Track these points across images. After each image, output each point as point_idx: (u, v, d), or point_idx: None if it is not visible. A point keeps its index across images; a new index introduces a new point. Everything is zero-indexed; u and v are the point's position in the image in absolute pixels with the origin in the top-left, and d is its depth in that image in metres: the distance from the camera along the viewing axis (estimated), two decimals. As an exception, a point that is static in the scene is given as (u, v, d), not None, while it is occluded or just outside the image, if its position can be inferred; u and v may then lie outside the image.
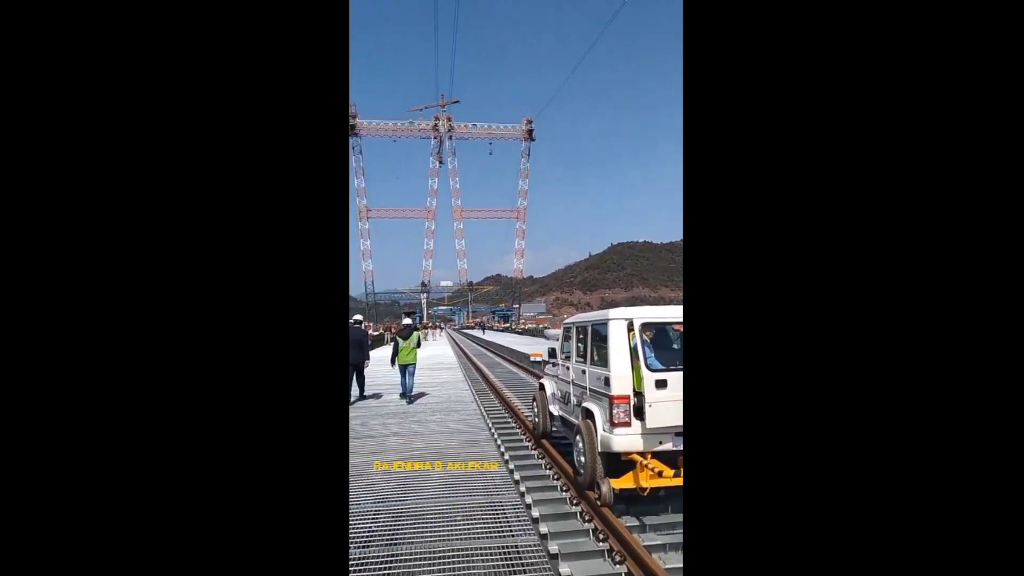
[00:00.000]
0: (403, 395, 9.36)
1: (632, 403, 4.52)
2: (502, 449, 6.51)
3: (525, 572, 3.15)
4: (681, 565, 3.78)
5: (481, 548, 3.45)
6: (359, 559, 3.32)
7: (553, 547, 3.88)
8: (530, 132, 74.04)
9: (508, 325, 74.81)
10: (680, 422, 4.07)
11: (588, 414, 5.01)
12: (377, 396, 9.92)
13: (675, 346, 5.15)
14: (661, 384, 4.34)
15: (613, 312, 4.91)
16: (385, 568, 3.23)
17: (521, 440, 7.42)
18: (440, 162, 76.84)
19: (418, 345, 9.51)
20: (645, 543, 4.00)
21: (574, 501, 5.01)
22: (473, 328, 69.37)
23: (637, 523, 4.58)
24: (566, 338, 6.20)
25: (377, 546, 3.51)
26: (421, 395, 9.91)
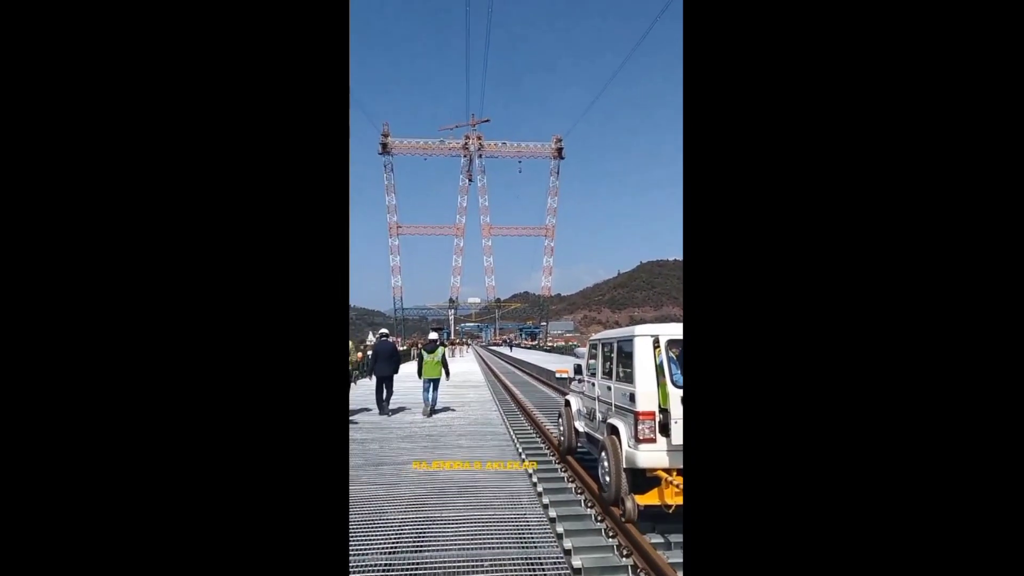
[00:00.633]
0: (426, 412, 9.45)
1: (658, 420, 4.54)
2: (546, 502, 5.27)
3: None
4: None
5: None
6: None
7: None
8: (559, 150, 74.46)
9: (536, 343, 74.59)
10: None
11: (613, 430, 5.02)
12: (402, 410, 9.99)
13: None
14: None
15: (639, 329, 4.95)
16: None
17: (576, 498, 5.72)
18: (470, 180, 77.99)
19: (443, 362, 9.47)
20: (670, 560, 3.98)
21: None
22: (500, 345, 69.56)
23: (662, 540, 4.56)
24: (592, 355, 6.24)
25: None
26: (445, 409, 9.96)
